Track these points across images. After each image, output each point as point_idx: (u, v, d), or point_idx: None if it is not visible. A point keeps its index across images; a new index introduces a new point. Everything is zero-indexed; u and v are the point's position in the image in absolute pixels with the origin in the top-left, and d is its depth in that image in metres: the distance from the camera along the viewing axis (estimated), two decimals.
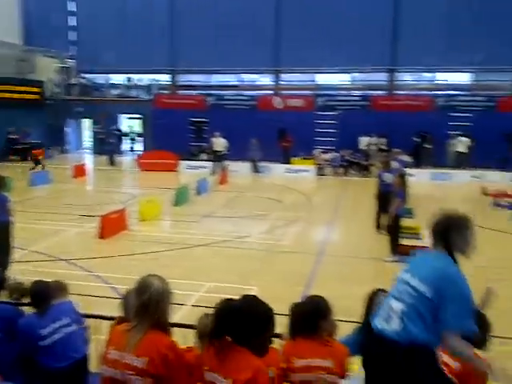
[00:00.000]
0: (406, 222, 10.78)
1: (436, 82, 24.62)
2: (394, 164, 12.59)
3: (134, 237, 10.55)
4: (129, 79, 28.53)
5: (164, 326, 2.58)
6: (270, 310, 2.47)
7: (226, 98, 25.73)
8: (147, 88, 27.73)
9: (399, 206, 9.14)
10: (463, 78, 24.53)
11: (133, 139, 29.15)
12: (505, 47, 22.39)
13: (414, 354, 2.62)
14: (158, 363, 2.44)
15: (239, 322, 2.35)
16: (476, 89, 23.76)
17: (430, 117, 21.88)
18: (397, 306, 2.74)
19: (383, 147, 21.66)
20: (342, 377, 2.97)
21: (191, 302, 6.68)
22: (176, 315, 5.96)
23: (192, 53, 25.97)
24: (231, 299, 2.50)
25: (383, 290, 3.42)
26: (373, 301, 3.32)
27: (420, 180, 19.52)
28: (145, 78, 28.07)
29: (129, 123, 29.21)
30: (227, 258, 9.19)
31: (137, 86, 28.17)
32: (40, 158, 20.07)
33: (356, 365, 3.11)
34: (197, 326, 2.98)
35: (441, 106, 22.74)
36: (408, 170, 19.03)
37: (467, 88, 24.05)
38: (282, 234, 11.05)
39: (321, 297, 3.15)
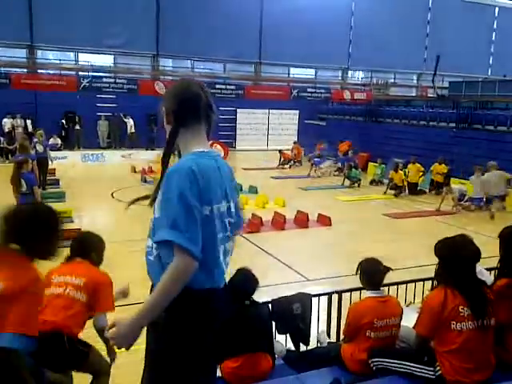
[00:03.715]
0: (57, 207, 10.46)
1: (80, 62, 24.40)
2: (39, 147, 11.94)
3: None
4: None
5: None
6: (52, 215, 2.51)
7: None
8: None
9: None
10: (107, 60, 25.16)
11: None
12: (143, 35, 24.25)
13: None
14: None
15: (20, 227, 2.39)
16: (118, 71, 24.81)
17: (77, 97, 21.70)
18: None
19: (29, 130, 20.29)
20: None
21: None
22: None
23: None
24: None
25: None
26: None
27: (72, 162, 19.32)
28: None
29: None
30: None
31: None
32: None
33: None
34: None
35: (86, 86, 22.76)
36: (59, 152, 18.63)
37: (110, 70, 24.83)
38: None
39: None
